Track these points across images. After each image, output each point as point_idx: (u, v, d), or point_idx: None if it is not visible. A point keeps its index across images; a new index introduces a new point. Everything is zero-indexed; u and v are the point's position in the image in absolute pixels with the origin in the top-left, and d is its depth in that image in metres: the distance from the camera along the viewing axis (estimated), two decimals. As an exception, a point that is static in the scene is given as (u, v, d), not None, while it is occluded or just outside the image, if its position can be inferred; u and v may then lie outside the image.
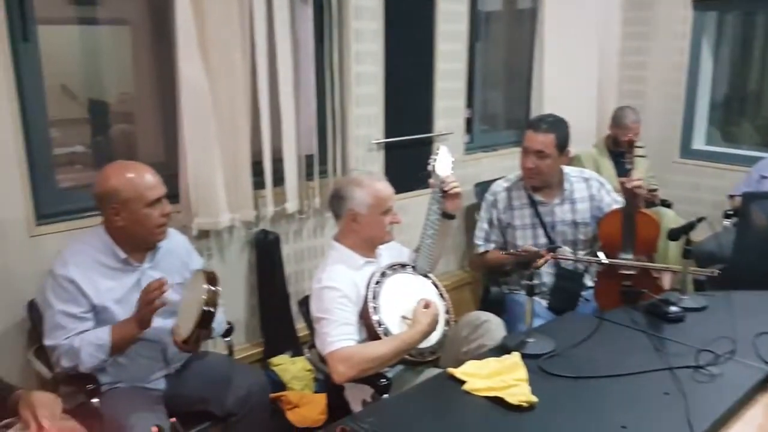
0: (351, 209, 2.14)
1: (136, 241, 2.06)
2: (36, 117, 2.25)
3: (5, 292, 2.19)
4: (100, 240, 2.05)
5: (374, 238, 2.19)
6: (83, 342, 1.94)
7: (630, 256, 2.50)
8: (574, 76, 4.02)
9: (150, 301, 1.92)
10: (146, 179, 2.02)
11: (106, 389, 2.02)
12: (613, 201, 2.76)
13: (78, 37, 2.65)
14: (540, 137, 2.65)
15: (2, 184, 2.16)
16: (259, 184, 2.75)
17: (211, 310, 1.90)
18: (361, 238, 2.17)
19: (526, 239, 2.76)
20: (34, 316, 2.15)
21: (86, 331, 1.97)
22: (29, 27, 2.19)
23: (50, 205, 2.33)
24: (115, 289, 2.04)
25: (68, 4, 2.57)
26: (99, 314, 2.01)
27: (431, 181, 2.29)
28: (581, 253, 2.76)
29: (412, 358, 2.07)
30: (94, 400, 1.95)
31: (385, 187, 2.18)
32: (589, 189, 2.81)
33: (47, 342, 1.97)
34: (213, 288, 1.94)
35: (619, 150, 3.75)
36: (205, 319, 1.91)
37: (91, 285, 1.99)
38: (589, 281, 2.74)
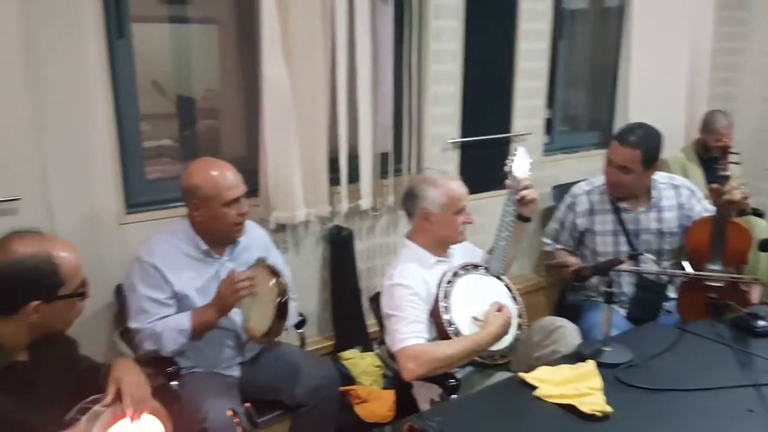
0: (424, 208, 2.14)
1: (214, 236, 2.14)
2: (128, 111, 2.37)
3: (95, 276, 2.29)
4: (184, 231, 2.14)
5: (447, 237, 2.18)
6: (165, 327, 2.03)
7: (718, 268, 2.37)
8: (662, 78, 3.85)
9: (237, 290, 1.99)
10: (226, 179, 2.09)
11: (185, 373, 2.10)
12: (704, 210, 2.63)
13: (168, 34, 2.77)
14: (625, 152, 2.53)
15: (97, 175, 2.28)
16: (334, 180, 2.79)
17: (285, 300, 1.95)
18: (433, 237, 2.17)
19: (606, 246, 2.67)
20: (121, 300, 2.26)
21: (168, 316, 2.06)
22: (124, 24, 2.30)
23: (138, 195, 2.45)
24: (196, 279, 2.12)
25: (161, 3, 2.69)
26: (180, 301, 2.10)
27: (508, 182, 2.25)
28: (665, 264, 2.64)
29: (483, 360, 2.04)
30: (173, 383, 2.04)
31: (458, 187, 2.16)
32: (679, 197, 2.68)
33: (132, 325, 2.07)
34: (280, 278, 1.98)
35: (709, 156, 3.57)
36: (283, 310, 1.97)
37: (174, 273, 2.08)
38: (672, 292, 2.62)
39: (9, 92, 2.04)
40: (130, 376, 1.60)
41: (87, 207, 2.27)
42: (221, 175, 2.08)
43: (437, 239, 2.17)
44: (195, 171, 2.11)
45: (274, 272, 2.04)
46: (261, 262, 2.13)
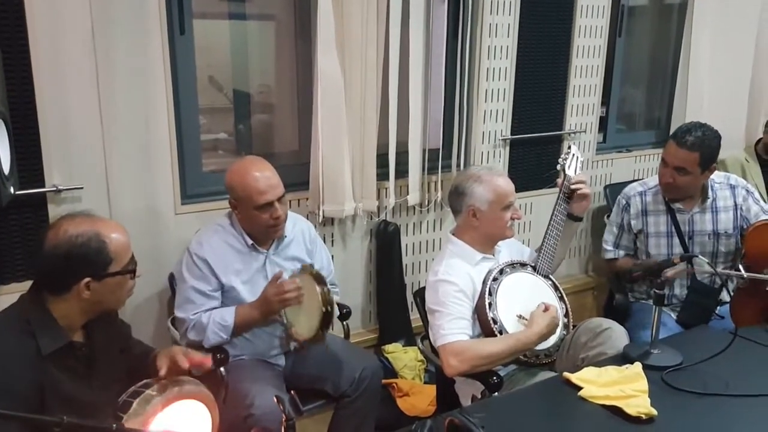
0: (471, 205, 2.13)
1: (253, 232, 2.18)
2: (187, 105, 2.45)
3: (151, 264, 2.40)
4: (232, 225, 2.20)
5: (494, 234, 2.17)
6: (210, 320, 2.09)
7: (779, 273, 2.29)
8: (723, 76, 3.73)
9: (284, 301, 2.05)
10: (259, 184, 2.07)
11: (233, 360, 2.16)
12: (761, 211, 2.54)
13: (227, 31, 2.84)
14: (682, 153, 2.46)
15: (156, 166, 2.36)
16: (382, 175, 2.81)
17: (330, 309, 2.00)
18: (480, 234, 2.16)
19: (659, 248, 2.61)
20: (174, 288, 2.34)
21: (213, 308, 2.12)
22: (186, 20, 2.38)
23: (194, 187, 2.53)
24: (243, 272, 2.17)
25: (221, 0, 2.76)
26: (227, 293, 2.15)
27: (559, 180, 2.23)
28: (720, 267, 2.56)
29: (526, 359, 2.03)
30: (221, 369, 2.10)
31: (505, 183, 2.14)
32: (735, 197, 2.61)
33: (178, 313, 2.15)
34: (325, 288, 2.02)
35: (772, 157, 3.46)
36: (327, 320, 2.03)
37: (222, 266, 2.13)
38: (725, 296, 2.55)
39: (77, 86, 2.15)
40: (176, 348, 1.66)
41: (145, 197, 2.36)
42: (254, 179, 2.08)
43: (484, 236, 2.16)
44: (233, 170, 2.14)
45: (319, 281, 2.07)
46: (307, 268, 2.17)
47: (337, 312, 2.31)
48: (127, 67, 2.22)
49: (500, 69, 3.06)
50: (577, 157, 2.26)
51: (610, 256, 2.78)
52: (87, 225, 1.52)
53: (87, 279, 1.49)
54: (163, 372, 1.56)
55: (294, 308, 2.13)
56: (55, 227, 1.51)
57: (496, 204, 2.11)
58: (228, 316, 2.11)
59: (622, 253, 2.74)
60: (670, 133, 2.74)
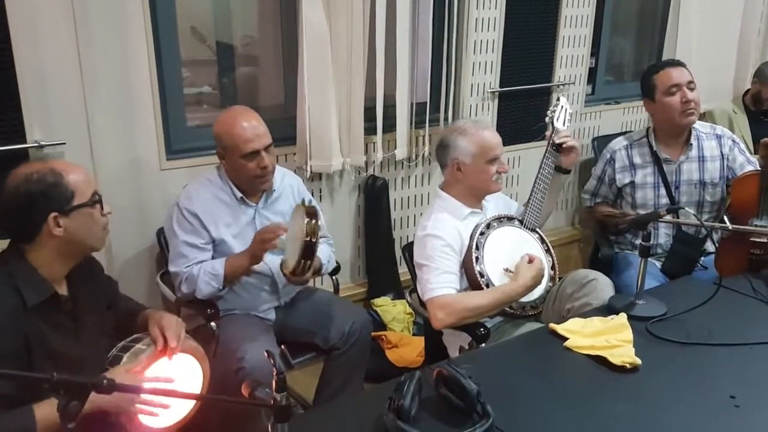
0: (455, 158, 2.12)
1: (241, 184, 2.16)
2: (169, 57, 2.39)
3: (138, 220, 2.39)
4: (220, 178, 2.18)
5: (479, 188, 2.16)
6: (201, 271, 2.10)
7: (764, 223, 2.31)
8: (712, 28, 3.69)
9: (265, 240, 2.03)
10: (245, 131, 2.06)
11: (223, 315, 2.17)
12: (747, 161, 2.56)
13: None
14: (684, 70, 2.58)
15: (139, 121, 2.32)
16: (370, 129, 2.78)
17: (312, 240, 1.95)
18: (465, 188, 2.15)
19: (646, 199, 2.63)
20: (162, 243, 2.34)
21: (205, 261, 2.12)
22: (164, -32, 2.30)
23: (179, 142, 2.49)
24: (233, 225, 2.17)
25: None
26: (217, 246, 2.15)
27: (547, 133, 2.22)
28: (705, 216, 2.60)
29: (513, 311, 2.06)
30: (212, 324, 2.11)
31: (491, 136, 2.12)
32: (721, 147, 2.63)
33: (171, 268, 2.15)
34: (312, 221, 1.99)
35: (759, 108, 3.45)
36: (307, 250, 1.94)
37: (212, 219, 2.13)
38: (710, 247, 2.58)
39: (55, 39, 2.08)
40: (169, 318, 1.67)
41: (129, 152, 2.33)
42: (241, 127, 2.07)
43: (470, 190, 2.16)
44: (220, 120, 2.13)
45: (310, 214, 2.04)
46: (302, 204, 2.15)
47: (332, 256, 2.33)
48: (105, 16, 2.16)
49: (489, 19, 3.00)
50: (566, 109, 2.24)
51: (586, 204, 2.86)
52: (40, 165, 1.53)
53: (53, 214, 1.48)
54: (160, 345, 1.57)
55: (289, 242, 2.10)
56: (11, 174, 1.50)
57: (479, 157, 2.10)
58: (218, 265, 2.11)
59: (599, 200, 2.80)
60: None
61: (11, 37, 2.00)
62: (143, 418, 1.50)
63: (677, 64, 2.62)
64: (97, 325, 1.62)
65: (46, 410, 1.34)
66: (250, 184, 2.15)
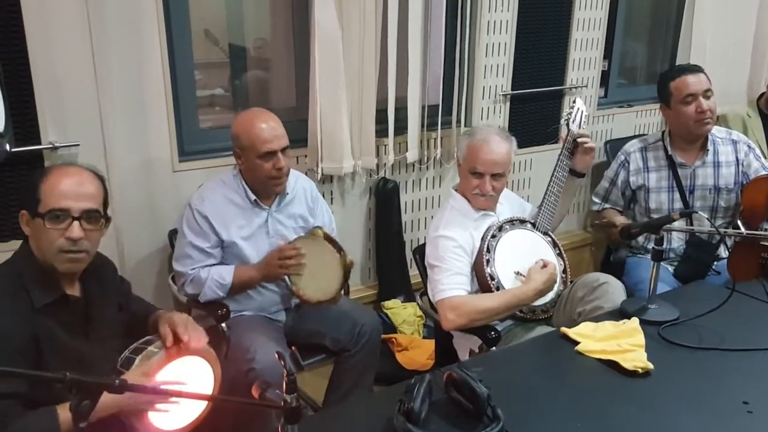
0: (458, 159, 2.17)
1: (256, 186, 2.17)
2: (183, 59, 2.40)
3: (151, 221, 2.41)
4: (234, 180, 2.19)
5: (468, 195, 2.17)
6: (209, 276, 2.11)
7: (775, 228, 2.30)
8: (726, 31, 3.66)
9: (285, 266, 2.06)
10: (263, 132, 2.08)
11: (234, 316, 2.17)
12: (761, 167, 2.54)
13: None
14: (702, 77, 2.52)
15: (152, 123, 2.34)
16: (381, 132, 2.78)
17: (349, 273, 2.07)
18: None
19: (660, 203, 2.62)
20: (174, 244, 2.34)
21: (211, 265, 2.13)
22: (179, -28, 2.32)
23: (192, 143, 2.50)
24: (244, 228, 2.17)
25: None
26: (227, 248, 2.16)
27: (562, 135, 2.21)
28: (719, 221, 2.57)
29: (523, 315, 2.05)
30: (223, 325, 2.11)
31: (484, 148, 2.07)
32: (737, 152, 2.60)
33: (176, 266, 2.16)
34: (343, 253, 2.08)
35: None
36: (344, 284, 2.08)
37: (222, 222, 2.13)
38: (722, 252, 2.56)
39: (70, 41, 2.10)
40: (180, 316, 1.66)
41: (142, 154, 2.34)
42: (259, 128, 2.09)
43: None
44: (239, 120, 2.15)
45: (334, 243, 2.11)
46: (317, 231, 2.18)
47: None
48: (119, 19, 2.18)
49: (501, 22, 3.00)
50: (582, 111, 2.24)
51: (595, 207, 2.83)
52: (60, 165, 1.54)
53: (23, 211, 1.48)
54: (169, 343, 1.55)
55: (304, 269, 2.13)
56: None
57: (465, 164, 2.11)
58: (227, 274, 2.12)
59: (608, 206, 2.77)
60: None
61: (27, 40, 2.02)
62: (154, 420, 1.50)
63: (695, 70, 2.56)
64: (108, 326, 1.63)
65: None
66: (265, 186, 2.16)
